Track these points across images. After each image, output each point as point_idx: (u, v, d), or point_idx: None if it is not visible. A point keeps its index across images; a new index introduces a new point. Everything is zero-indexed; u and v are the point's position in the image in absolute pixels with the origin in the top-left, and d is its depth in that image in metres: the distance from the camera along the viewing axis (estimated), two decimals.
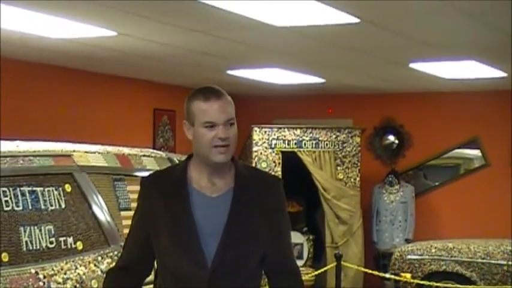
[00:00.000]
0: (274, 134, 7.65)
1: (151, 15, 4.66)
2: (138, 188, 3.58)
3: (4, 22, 4.87)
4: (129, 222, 3.47)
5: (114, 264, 3.29)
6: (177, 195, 2.30)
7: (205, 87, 2.34)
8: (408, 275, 6.56)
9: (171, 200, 2.30)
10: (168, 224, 2.29)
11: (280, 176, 7.58)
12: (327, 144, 7.66)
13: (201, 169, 2.32)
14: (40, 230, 3.07)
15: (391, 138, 8.86)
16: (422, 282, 6.48)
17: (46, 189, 3.16)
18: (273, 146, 7.63)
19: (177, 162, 4.03)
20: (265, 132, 7.63)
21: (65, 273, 3.09)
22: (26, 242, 3.00)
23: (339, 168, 7.65)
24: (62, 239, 3.15)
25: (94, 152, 3.57)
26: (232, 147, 2.29)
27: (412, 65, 6.60)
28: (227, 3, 4.22)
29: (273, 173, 7.61)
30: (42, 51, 6.10)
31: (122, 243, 3.38)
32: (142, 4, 4.34)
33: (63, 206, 3.22)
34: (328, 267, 7.08)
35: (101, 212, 3.40)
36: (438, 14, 4.50)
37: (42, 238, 3.07)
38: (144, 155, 3.90)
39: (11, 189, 3.01)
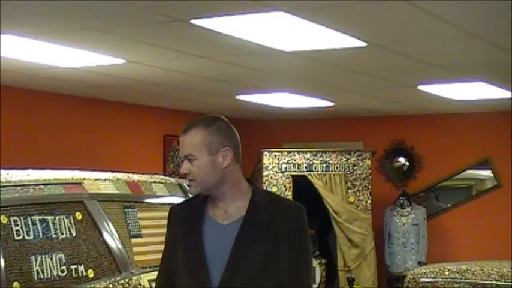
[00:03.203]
0: (284, 158, 7.64)
1: (160, 43, 4.70)
2: (148, 214, 3.65)
3: (15, 52, 4.92)
4: (140, 249, 3.53)
5: None
6: (193, 223, 2.39)
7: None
8: None
9: (187, 227, 2.39)
10: (181, 249, 2.38)
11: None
12: (337, 167, 7.65)
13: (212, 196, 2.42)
14: (51, 259, 3.07)
15: (402, 160, 8.84)
16: None
17: (57, 218, 3.17)
18: (283, 170, 7.62)
19: (187, 188, 4.03)
20: (275, 156, 7.63)
21: None
22: (37, 270, 3.00)
23: (349, 191, 7.63)
24: (73, 267, 3.16)
25: (104, 180, 3.58)
26: (198, 180, 2.35)
27: (421, 87, 6.60)
28: (236, 29, 4.25)
29: (286, 198, 7.59)
30: (53, 81, 6.15)
31: (133, 270, 3.42)
32: (151, 32, 4.38)
33: (74, 234, 3.22)
34: None
35: (112, 239, 3.40)
36: (445, 35, 4.51)
37: (53, 267, 3.07)
38: (154, 182, 3.90)
39: (21, 218, 3.02)
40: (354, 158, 7.66)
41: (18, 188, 3.08)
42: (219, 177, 2.36)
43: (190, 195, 2.55)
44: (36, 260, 3.01)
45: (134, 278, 3.40)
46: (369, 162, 7.67)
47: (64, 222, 3.20)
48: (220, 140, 2.35)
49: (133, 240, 3.53)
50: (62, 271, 3.10)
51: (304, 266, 2.35)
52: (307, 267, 2.36)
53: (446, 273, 6.64)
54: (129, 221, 3.57)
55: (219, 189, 2.37)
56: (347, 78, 6.22)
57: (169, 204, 3.23)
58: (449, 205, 8.70)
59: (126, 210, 3.58)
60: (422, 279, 6.69)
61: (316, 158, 7.65)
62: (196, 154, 2.33)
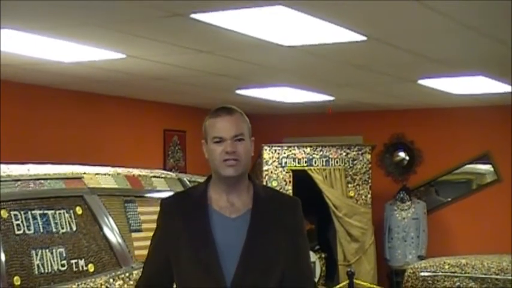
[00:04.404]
0: (285, 153, 7.65)
1: (159, 37, 4.70)
2: (148, 209, 3.65)
3: (16, 47, 4.92)
4: (140, 243, 3.53)
5: (127, 285, 3.31)
6: (197, 216, 2.34)
7: (220, 106, 2.40)
8: None
9: (190, 220, 2.35)
10: (187, 244, 2.33)
11: (291, 195, 7.57)
12: (337, 161, 7.66)
13: (219, 188, 2.37)
14: (51, 253, 3.08)
15: (402, 154, 8.84)
16: None
17: (57, 212, 3.18)
18: (283, 164, 7.63)
19: (187, 182, 4.04)
20: (276, 150, 7.64)
21: None
22: (38, 265, 3.01)
23: (349, 185, 7.63)
24: (73, 261, 3.16)
25: (104, 174, 3.58)
26: (242, 162, 2.33)
27: (421, 82, 6.60)
28: (235, 23, 4.25)
29: (284, 192, 7.60)
30: (53, 75, 6.15)
31: (134, 265, 3.43)
32: (150, 26, 4.38)
33: (74, 228, 3.23)
34: (341, 285, 7.05)
35: (112, 233, 3.41)
36: (445, 30, 4.51)
37: (53, 261, 3.08)
38: (154, 176, 3.91)
39: (22, 212, 3.03)
40: (354, 153, 7.66)
41: (19, 182, 3.08)
42: (250, 165, 2.39)
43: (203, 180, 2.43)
44: (36, 254, 3.01)
45: (134, 272, 3.40)
46: (368, 156, 7.68)
47: (64, 217, 3.20)
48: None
49: (134, 234, 3.53)
50: (63, 265, 3.11)
51: (305, 257, 2.44)
52: (307, 257, 2.45)
53: (446, 267, 6.64)
54: (129, 216, 3.57)
55: (244, 176, 2.36)
56: (347, 73, 6.22)
57: None
58: (449, 199, 8.71)
59: (126, 204, 3.58)
60: (422, 273, 6.70)
61: (316, 152, 7.66)
62: (245, 135, 2.34)
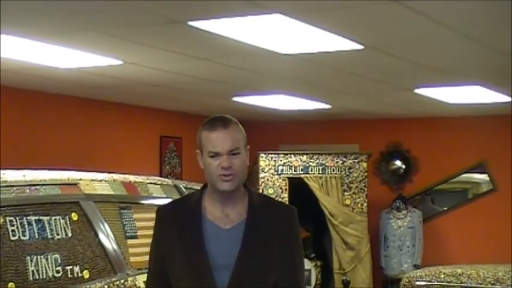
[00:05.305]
0: (281, 160, 7.65)
1: (156, 44, 4.70)
2: (144, 215, 3.64)
3: (13, 53, 4.92)
4: (135, 250, 3.52)
5: None
6: (191, 226, 2.34)
7: (215, 117, 2.39)
8: None
9: (184, 229, 2.35)
10: (180, 253, 2.33)
11: (287, 203, 7.58)
12: (333, 169, 7.66)
13: (214, 198, 2.36)
14: (46, 259, 3.07)
15: (398, 163, 8.85)
16: None
17: (52, 218, 3.17)
18: (279, 172, 7.63)
19: (183, 189, 4.03)
20: (272, 158, 7.64)
21: None
22: (33, 271, 3.00)
23: (345, 193, 7.63)
24: (68, 267, 3.15)
25: (100, 180, 3.57)
26: (238, 175, 2.32)
27: (418, 91, 6.61)
28: (232, 31, 4.26)
29: (280, 199, 7.59)
30: (50, 81, 6.15)
31: (129, 272, 3.42)
32: (148, 33, 4.39)
33: (69, 234, 3.22)
34: None
35: (108, 240, 3.40)
36: (442, 39, 4.52)
37: (48, 267, 3.07)
38: (150, 183, 3.90)
39: (17, 218, 3.02)
40: (350, 161, 7.66)
41: (14, 188, 3.08)
42: (246, 175, 2.40)
43: (192, 194, 2.44)
44: (31, 261, 3.00)
45: (129, 279, 3.40)
46: (365, 164, 7.68)
47: (60, 223, 3.19)
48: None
49: (129, 241, 3.52)
50: (58, 272, 3.10)
51: (299, 267, 2.43)
52: (301, 267, 2.45)
53: (442, 276, 6.64)
54: (124, 222, 3.56)
55: (240, 188, 2.36)
56: (343, 81, 6.23)
57: None
58: (445, 208, 8.71)
59: (122, 211, 3.58)
60: (417, 283, 6.69)
61: (312, 160, 7.66)
62: (241, 148, 2.34)
